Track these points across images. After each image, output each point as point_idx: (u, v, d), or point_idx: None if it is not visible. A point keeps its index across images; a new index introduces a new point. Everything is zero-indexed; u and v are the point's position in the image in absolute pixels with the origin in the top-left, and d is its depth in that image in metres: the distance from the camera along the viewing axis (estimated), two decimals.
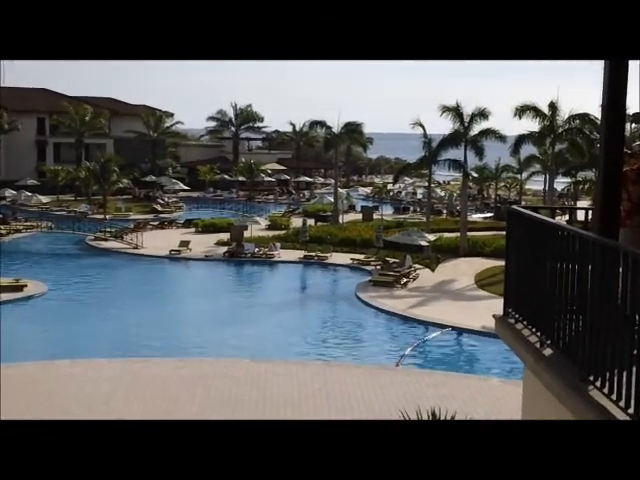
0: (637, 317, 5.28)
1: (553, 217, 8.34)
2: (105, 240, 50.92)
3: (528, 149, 56.65)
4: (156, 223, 58.30)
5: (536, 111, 49.96)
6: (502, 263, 9.72)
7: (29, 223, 57.26)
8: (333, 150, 67.76)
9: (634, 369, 5.10)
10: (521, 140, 53.78)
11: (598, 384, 5.63)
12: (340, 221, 57.73)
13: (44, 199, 67.37)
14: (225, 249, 46.73)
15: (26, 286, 35.47)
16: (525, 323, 7.57)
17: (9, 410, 18.04)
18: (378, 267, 40.31)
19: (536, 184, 70.16)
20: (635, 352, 5.21)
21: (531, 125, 51.65)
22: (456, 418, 13.33)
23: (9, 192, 68.51)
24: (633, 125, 46.81)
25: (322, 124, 68.37)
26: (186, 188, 79.19)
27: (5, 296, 33.86)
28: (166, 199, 73.30)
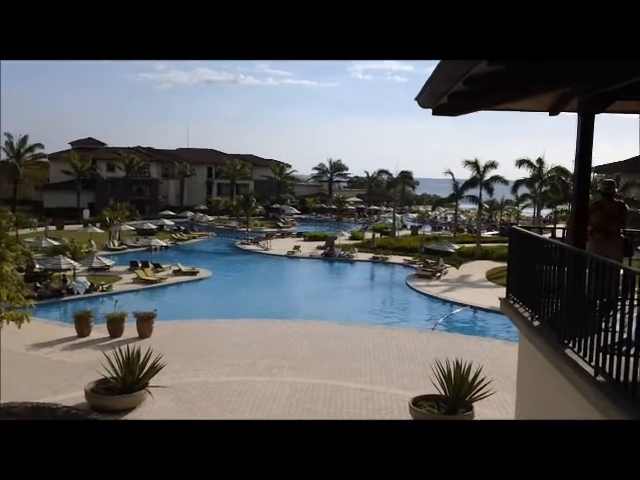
0: (597, 301, 5.09)
1: (541, 234, 8.10)
2: (247, 244, 51.81)
3: (523, 189, 55.44)
4: (279, 234, 58.97)
5: (529, 164, 49.38)
6: (504, 264, 9.49)
7: (201, 233, 58.87)
8: (393, 189, 67.31)
9: (595, 336, 4.92)
10: (518, 183, 53.09)
11: (571, 345, 5.44)
12: (396, 235, 57.12)
13: (210, 218, 68.99)
14: (322, 251, 46.92)
15: (198, 272, 36.29)
16: (521, 303, 7.36)
17: (186, 349, 18.58)
18: (421, 265, 39.71)
19: (528, 213, 68.12)
20: (596, 324, 5.03)
21: (525, 173, 50.86)
22: (471, 366, 12.97)
23: (189, 213, 70.65)
24: (595, 174, 45.00)
25: (386, 172, 68.28)
26: (298, 212, 79.72)
27: (186, 278, 34.97)
28: (285, 219, 74.10)
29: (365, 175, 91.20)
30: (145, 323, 19.72)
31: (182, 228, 59.65)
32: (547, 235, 9.97)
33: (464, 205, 64.65)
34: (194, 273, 35.89)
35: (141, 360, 13.65)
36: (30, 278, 28.26)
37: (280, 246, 49.25)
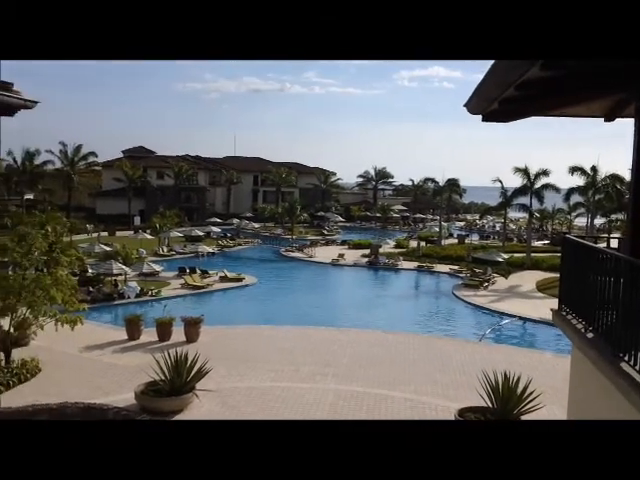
0: None
1: (595, 244, 7.86)
2: (292, 251, 52.12)
3: (575, 197, 54.01)
4: (323, 242, 59.13)
5: (582, 171, 48.29)
6: (555, 275, 9.26)
7: (246, 240, 59.59)
8: (439, 197, 66.56)
9: None
10: (571, 192, 51.86)
11: (626, 358, 5.26)
12: (442, 243, 56.43)
13: (256, 225, 69.65)
14: (366, 259, 46.78)
15: (244, 278, 36.75)
16: (574, 315, 7.16)
17: (231, 354, 18.80)
18: (468, 274, 39.08)
19: (580, 222, 66.31)
20: None
21: (578, 180, 49.69)
22: (520, 378, 12.68)
23: (235, 220, 71.54)
24: None
25: (432, 180, 67.50)
26: (342, 220, 79.84)
27: (231, 284, 35.47)
28: (330, 227, 74.22)
29: (410, 183, 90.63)
30: (192, 328, 20.09)
31: (228, 235, 60.51)
32: (601, 245, 9.68)
33: (513, 214, 63.44)
34: (240, 279, 36.32)
35: (188, 364, 13.91)
36: (83, 282, 29.23)
37: (324, 254, 49.37)
